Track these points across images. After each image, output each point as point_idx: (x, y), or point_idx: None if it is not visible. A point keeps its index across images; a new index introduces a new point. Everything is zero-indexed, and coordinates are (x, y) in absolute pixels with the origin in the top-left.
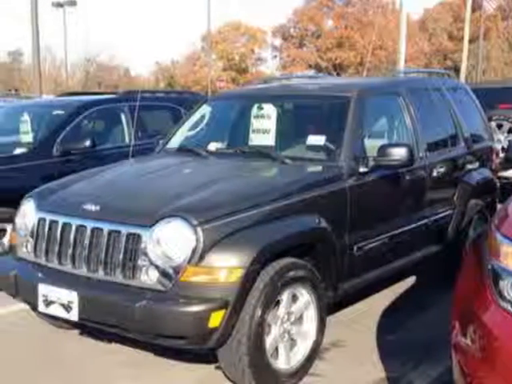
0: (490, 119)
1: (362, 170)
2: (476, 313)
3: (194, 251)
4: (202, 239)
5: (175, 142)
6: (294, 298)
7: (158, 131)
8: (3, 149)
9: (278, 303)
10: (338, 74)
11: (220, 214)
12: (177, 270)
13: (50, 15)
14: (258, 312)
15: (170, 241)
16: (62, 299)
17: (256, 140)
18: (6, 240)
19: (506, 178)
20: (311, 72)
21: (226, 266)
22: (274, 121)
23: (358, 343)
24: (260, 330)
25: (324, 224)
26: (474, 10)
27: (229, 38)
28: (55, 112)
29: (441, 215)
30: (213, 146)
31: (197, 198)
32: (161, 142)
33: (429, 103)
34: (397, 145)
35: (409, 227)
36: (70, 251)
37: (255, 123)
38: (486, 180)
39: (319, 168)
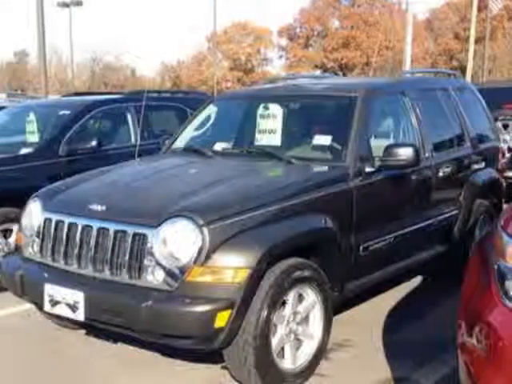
0: (496, 119)
1: (368, 169)
2: (482, 313)
3: (200, 251)
4: (208, 239)
5: (181, 142)
6: (300, 298)
7: (164, 131)
8: (9, 149)
9: (284, 303)
10: (344, 74)
11: (226, 213)
12: (183, 270)
13: (56, 15)
14: (264, 312)
15: (176, 241)
16: (67, 299)
17: (262, 140)
18: (12, 240)
19: (511, 178)
20: (317, 72)
21: (232, 266)
22: (280, 121)
23: (364, 343)
24: (266, 329)
25: (330, 224)
26: (480, 10)
27: (235, 38)
28: (61, 112)
29: (447, 215)
30: (219, 146)
31: (203, 197)
32: (167, 142)
33: (435, 103)
34: (403, 145)
35: (415, 227)
36: (75, 251)
37: (261, 123)
38: (492, 180)
39: (325, 168)
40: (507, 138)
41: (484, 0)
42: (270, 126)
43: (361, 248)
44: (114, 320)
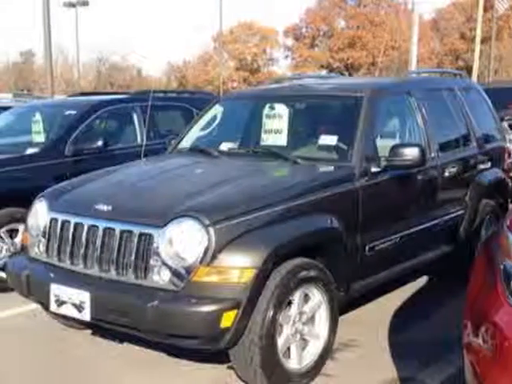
0: (502, 119)
1: (373, 169)
2: (488, 313)
3: (206, 251)
4: (214, 239)
5: (187, 141)
6: (306, 298)
7: (170, 131)
8: (15, 149)
9: (289, 303)
10: (349, 74)
11: (232, 213)
12: (189, 270)
13: (62, 15)
14: (270, 312)
15: (182, 241)
16: (73, 299)
17: (268, 140)
18: (18, 240)
19: None
20: (323, 72)
21: (238, 266)
22: (285, 121)
23: (370, 343)
24: (272, 329)
25: (336, 224)
26: (486, 10)
27: (241, 38)
28: (67, 112)
29: (452, 215)
30: (225, 146)
31: (209, 197)
32: (173, 141)
33: (441, 103)
34: (409, 145)
35: (420, 227)
36: (81, 251)
37: (267, 123)
38: (498, 180)
39: (331, 168)
40: None
41: (490, 0)
42: (276, 126)
43: (367, 248)
44: (120, 320)
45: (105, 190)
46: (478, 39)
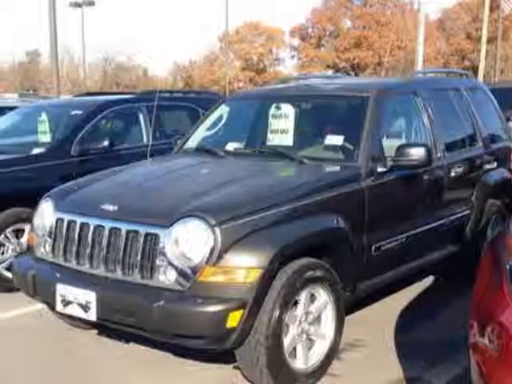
0: (508, 119)
1: (380, 169)
2: (494, 313)
3: (211, 251)
4: (220, 239)
5: (193, 142)
6: (312, 298)
7: (176, 131)
8: (21, 149)
9: (296, 303)
10: (356, 74)
11: (238, 213)
12: (195, 270)
13: (68, 15)
14: (276, 312)
15: (188, 241)
16: (79, 299)
17: (274, 140)
18: (24, 240)
19: None
20: (329, 72)
21: (244, 266)
22: (292, 121)
23: (376, 343)
24: (278, 329)
25: (342, 224)
26: (492, 10)
27: (247, 38)
28: (73, 112)
29: (458, 215)
30: (231, 146)
31: (215, 197)
32: (179, 142)
33: (447, 103)
34: (415, 145)
35: (427, 227)
36: (87, 251)
37: (273, 123)
38: (504, 180)
39: (337, 168)
40: None
41: (496, 0)
42: (282, 126)
43: (373, 248)
44: (126, 320)
45: (111, 190)
46: (483, 39)
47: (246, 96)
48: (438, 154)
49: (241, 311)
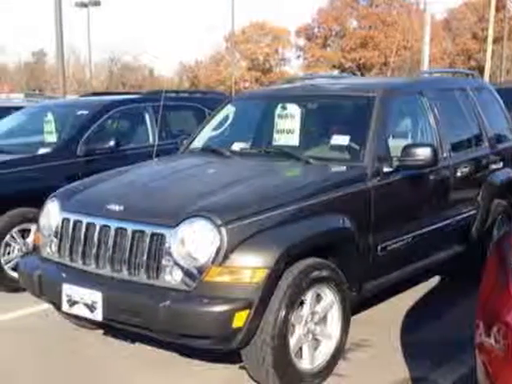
0: None
1: (386, 170)
2: (500, 312)
3: (218, 251)
4: (226, 239)
5: (199, 142)
6: (318, 298)
7: (182, 131)
8: (27, 149)
9: (302, 303)
10: (362, 74)
11: (244, 213)
12: (201, 270)
13: (74, 15)
14: (282, 312)
15: (194, 241)
16: (85, 299)
17: (280, 140)
18: (30, 240)
19: None
20: (335, 72)
21: (250, 266)
22: (298, 121)
23: (382, 343)
24: (284, 329)
25: (348, 224)
26: (498, 10)
27: (253, 38)
28: (79, 112)
29: (464, 215)
30: (237, 146)
31: (221, 197)
32: (185, 142)
33: (453, 103)
34: (421, 145)
35: (433, 227)
36: (93, 251)
37: (279, 123)
38: (510, 180)
39: (343, 168)
40: None
41: (502, 0)
42: (288, 126)
43: (379, 248)
44: (132, 320)
45: (117, 190)
46: (490, 39)
47: (251, 96)
48: (444, 154)
49: (247, 311)
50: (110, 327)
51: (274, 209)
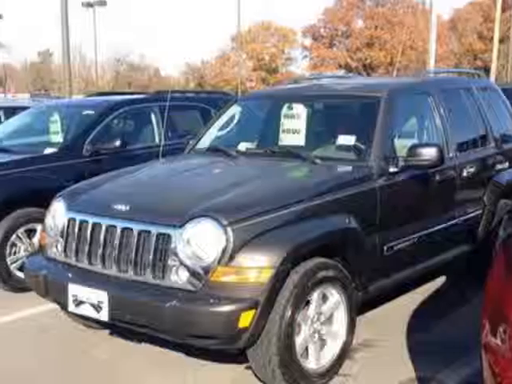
0: None
1: (391, 169)
2: (506, 312)
3: (224, 251)
4: (232, 239)
5: (205, 142)
6: (324, 298)
7: (188, 131)
8: (34, 149)
9: (307, 303)
10: (368, 74)
11: (250, 214)
12: (207, 270)
13: (81, 15)
14: (288, 312)
15: (200, 241)
16: (91, 299)
17: (286, 140)
18: (35, 240)
19: None
20: (341, 72)
21: (256, 266)
22: (304, 121)
23: (388, 343)
24: (290, 329)
25: (354, 224)
26: (504, 10)
27: (259, 38)
28: (85, 112)
29: (470, 215)
30: (243, 146)
31: (227, 198)
32: (191, 142)
33: (459, 103)
34: (427, 145)
35: (439, 227)
36: (99, 251)
37: (285, 123)
38: None
39: (349, 168)
40: None
41: (508, 0)
42: (294, 126)
43: (385, 248)
44: (138, 320)
45: (123, 190)
46: (496, 39)
47: (257, 96)
48: (450, 154)
49: (253, 311)
50: (117, 327)
51: (279, 209)
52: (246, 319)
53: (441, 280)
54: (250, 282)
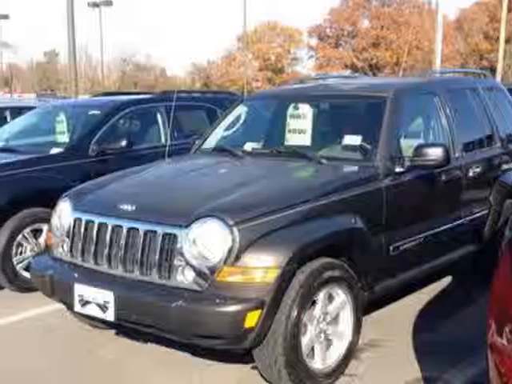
0: None
1: (397, 169)
2: None
3: (230, 251)
4: (238, 239)
5: (211, 142)
6: (330, 298)
7: (194, 131)
8: (40, 149)
9: (313, 303)
10: (374, 74)
11: (256, 213)
12: (213, 270)
13: (86, 15)
14: (294, 312)
15: (206, 241)
16: (97, 299)
17: (292, 140)
18: (42, 240)
19: None
20: (347, 72)
21: (262, 266)
22: (309, 121)
23: (394, 343)
24: (296, 330)
25: (360, 224)
26: (510, 10)
27: (265, 38)
28: (91, 112)
29: (476, 215)
30: (249, 146)
31: (233, 197)
32: (197, 142)
33: (465, 103)
34: (433, 145)
35: (445, 227)
36: (105, 251)
37: (291, 123)
38: None
39: (355, 168)
40: None
41: None
42: (300, 126)
43: (391, 248)
44: (144, 320)
45: (129, 190)
46: (502, 39)
47: (263, 96)
48: (456, 154)
49: (259, 311)
50: (122, 327)
51: (285, 209)
52: (251, 319)
53: (447, 280)
54: (256, 282)
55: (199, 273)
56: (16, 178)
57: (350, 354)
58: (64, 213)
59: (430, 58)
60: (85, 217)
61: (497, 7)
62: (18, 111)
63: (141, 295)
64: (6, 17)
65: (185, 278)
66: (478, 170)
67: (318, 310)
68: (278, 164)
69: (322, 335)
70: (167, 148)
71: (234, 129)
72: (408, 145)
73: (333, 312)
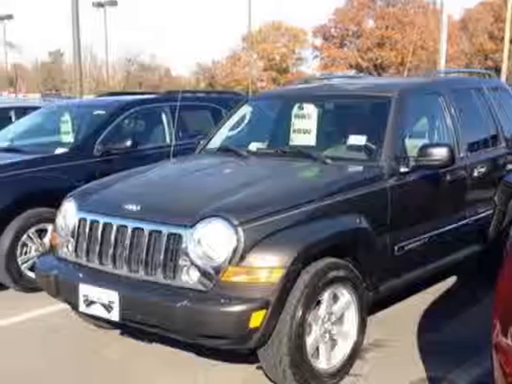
0: None
1: (402, 170)
2: None
3: (234, 251)
4: (242, 239)
5: (216, 142)
6: (335, 298)
7: (199, 131)
8: (44, 149)
9: (318, 303)
10: (378, 74)
11: (261, 213)
12: (217, 270)
13: (91, 15)
14: (299, 312)
15: (211, 241)
16: (102, 299)
17: (297, 140)
18: (46, 240)
19: None
20: (351, 72)
21: (267, 266)
22: (314, 121)
23: (399, 343)
24: (301, 329)
25: (365, 224)
26: None
27: (270, 38)
28: (96, 112)
29: (481, 215)
30: (253, 146)
31: (238, 197)
32: (201, 142)
33: (469, 103)
34: (438, 145)
35: (449, 227)
36: (110, 251)
37: (296, 123)
38: None
39: (360, 168)
40: None
41: None
42: (305, 126)
43: (396, 248)
44: (149, 320)
45: (133, 190)
46: (506, 39)
47: (268, 96)
48: (461, 154)
49: (264, 311)
50: (127, 327)
51: (290, 209)
52: (256, 319)
53: (451, 280)
54: (260, 282)
55: (204, 273)
56: (21, 178)
57: (355, 353)
58: (69, 213)
59: (434, 58)
60: (90, 217)
61: (502, 7)
62: (22, 111)
63: (146, 295)
64: (10, 17)
65: (190, 278)
66: (482, 169)
67: (322, 310)
68: (283, 164)
69: (327, 335)
70: (172, 148)
71: (239, 129)
72: (413, 145)
73: (338, 312)
